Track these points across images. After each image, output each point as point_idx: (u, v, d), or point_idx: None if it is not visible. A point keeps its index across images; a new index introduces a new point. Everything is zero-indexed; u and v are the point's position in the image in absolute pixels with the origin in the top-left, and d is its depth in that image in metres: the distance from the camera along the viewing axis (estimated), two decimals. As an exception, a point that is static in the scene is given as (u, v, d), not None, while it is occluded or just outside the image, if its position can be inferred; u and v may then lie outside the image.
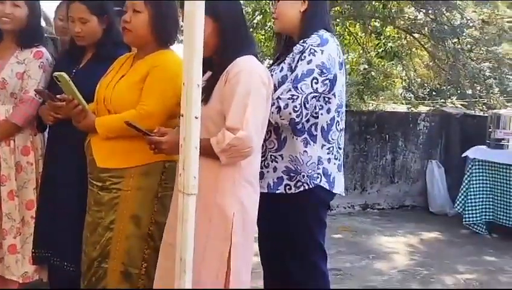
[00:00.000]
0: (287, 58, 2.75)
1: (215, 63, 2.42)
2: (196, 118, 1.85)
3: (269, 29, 10.48)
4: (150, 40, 2.72)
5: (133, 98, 2.67)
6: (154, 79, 2.66)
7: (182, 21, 1.96)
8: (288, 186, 2.72)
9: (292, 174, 2.71)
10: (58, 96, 2.82)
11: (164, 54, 2.74)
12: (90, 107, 2.83)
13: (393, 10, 9.86)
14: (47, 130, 3.33)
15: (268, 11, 9.22)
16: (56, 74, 2.76)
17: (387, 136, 7.00)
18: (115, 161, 2.69)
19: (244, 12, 2.73)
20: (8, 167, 3.19)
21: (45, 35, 3.57)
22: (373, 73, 12.79)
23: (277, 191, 2.72)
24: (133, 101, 2.66)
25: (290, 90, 2.60)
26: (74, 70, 3.08)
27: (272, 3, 2.89)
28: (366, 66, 12.91)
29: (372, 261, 4.95)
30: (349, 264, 4.81)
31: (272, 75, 2.65)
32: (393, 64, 12.89)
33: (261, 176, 2.65)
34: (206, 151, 2.20)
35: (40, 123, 3.25)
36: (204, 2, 1.82)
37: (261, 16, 10.01)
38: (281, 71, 2.73)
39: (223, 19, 2.40)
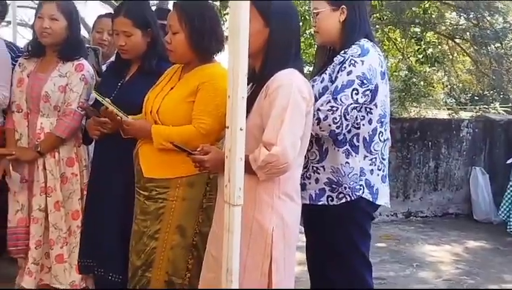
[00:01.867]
0: (328, 68, 2.73)
1: (256, 75, 2.41)
2: (241, 129, 1.85)
3: (308, 36, 10.46)
4: (192, 57, 2.75)
5: (182, 112, 2.71)
6: (205, 96, 2.69)
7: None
8: (330, 198, 2.69)
9: (334, 186, 2.68)
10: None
11: (211, 68, 2.77)
12: (136, 118, 2.87)
13: (433, 16, 9.73)
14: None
15: (307, 18, 9.21)
16: (95, 95, 2.81)
17: (430, 143, 6.89)
18: (162, 171, 2.72)
19: (299, 25, 2.68)
20: (53, 178, 3.25)
21: (86, 45, 3.61)
22: (414, 79, 12.66)
23: (319, 203, 2.70)
24: (181, 114, 2.71)
25: (329, 101, 2.58)
26: (120, 84, 3.13)
27: (312, 16, 2.86)
28: (407, 72, 12.77)
29: (416, 270, 4.87)
30: (393, 273, 4.74)
31: (313, 86, 2.63)
32: (434, 69, 12.73)
33: (303, 187, 2.63)
34: (246, 167, 2.19)
35: (86, 136, 3.29)
36: (248, 16, 1.82)
37: (301, 22, 10.02)
38: (321, 82, 2.70)
39: (274, 27, 2.36)
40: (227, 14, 11.22)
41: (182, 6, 2.72)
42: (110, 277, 3.08)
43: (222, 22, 9.56)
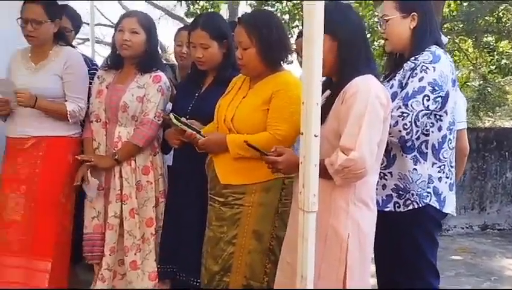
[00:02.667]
0: (397, 75, 2.71)
1: (333, 82, 2.42)
2: (315, 136, 1.85)
3: (377, 47, 10.39)
4: (263, 69, 2.80)
5: (256, 119, 2.76)
6: (281, 103, 2.73)
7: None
8: (397, 205, 2.67)
9: (401, 193, 2.66)
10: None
11: (284, 77, 2.81)
12: (209, 127, 2.93)
13: (508, 24, 9.45)
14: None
15: (376, 30, 9.17)
16: (172, 118, 2.92)
17: (507, 153, 6.67)
18: (237, 178, 2.77)
19: (365, 31, 2.68)
20: (129, 186, 3.33)
21: (164, 62, 3.72)
22: (489, 89, 12.32)
23: (386, 209, 2.67)
24: (256, 122, 2.76)
25: (400, 107, 2.56)
26: (197, 94, 3.22)
27: (381, 24, 2.84)
28: (481, 82, 12.45)
29: (494, 284, 4.70)
30: (469, 286, 4.58)
31: None
32: (510, 79, 12.35)
33: (370, 193, 2.61)
34: (321, 171, 2.19)
35: (164, 145, 3.38)
36: (323, 24, 1.83)
37: (370, 34, 9.99)
38: (391, 88, 2.69)
39: (342, 37, 2.37)
40: (295, 27, 11.31)
41: (248, 21, 2.78)
42: (192, 282, 3.16)
43: (290, 35, 9.69)
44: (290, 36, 2.90)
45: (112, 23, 13.97)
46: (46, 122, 3.36)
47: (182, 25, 8.60)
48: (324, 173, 2.19)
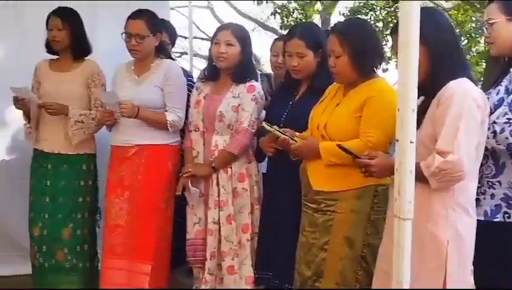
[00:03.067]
0: (504, 80, 2.62)
1: (428, 88, 2.39)
2: (411, 142, 1.84)
3: (475, 53, 10.07)
4: (355, 77, 2.82)
5: (349, 126, 2.78)
6: (373, 109, 2.74)
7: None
8: (507, 215, 2.56)
9: (511, 202, 2.55)
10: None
11: (378, 83, 2.82)
12: (302, 135, 2.97)
13: None
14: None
15: (473, 36, 8.90)
16: (265, 125, 3.00)
17: None
18: (330, 184, 2.79)
19: (456, 34, 2.64)
20: (226, 192, 3.43)
21: (260, 72, 3.81)
22: None
23: (495, 220, 2.57)
24: (349, 128, 2.77)
25: (506, 113, 2.48)
26: (290, 103, 3.28)
27: (486, 28, 2.76)
28: None
29: None
30: None
31: (488, 98, 2.54)
32: None
33: (478, 202, 2.52)
34: (416, 174, 2.17)
35: (258, 153, 3.45)
36: (418, 30, 1.82)
37: (467, 40, 9.70)
38: (497, 94, 2.60)
39: (433, 43, 2.34)
40: (388, 34, 11.16)
41: (341, 29, 2.82)
42: (286, 288, 3.19)
43: (384, 43, 9.56)
44: (384, 44, 2.89)
45: (208, 36, 14.33)
46: (148, 132, 3.53)
47: (275, 37, 8.72)
48: (420, 177, 2.17)
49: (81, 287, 3.73)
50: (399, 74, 1.86)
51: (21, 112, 3.75)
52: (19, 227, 4.21)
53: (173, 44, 4.41)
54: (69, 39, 3.69)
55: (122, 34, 3.55)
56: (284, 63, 3.68)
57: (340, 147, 2.54)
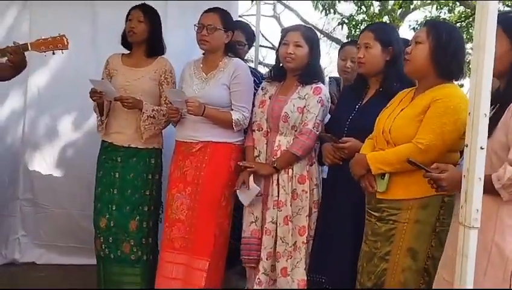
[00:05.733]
0: None
1: (502, 93, 2.31)
2: (482, 148, 1.79)
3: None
4: (429, 72, 2.73)
5: (412, 131, 2.69)
6: (434, 113, 2.65)
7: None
8: None
9: None
10: (340, 140, 3.09)
11: (446, 88, 2.72)
12: (365, 146, 2.94)
13: None
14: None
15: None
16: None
17: None
18: (393, 192, 2.72)
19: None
20: (285, 193, 3.42)
21: (328, 75, 3.80)
22: None
23: None
24: (412, 133, 2.68)
25: None
26: (357, 106, 3.24)
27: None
28: None
29: None
30: None
31: None
32: None
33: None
34: (487, 187, 2.09)
35: (320, 156, 3.42)
36: (494, 32, 1.78)
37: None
38: None
39: None
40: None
41: (433, 23, 2.85)
42: None
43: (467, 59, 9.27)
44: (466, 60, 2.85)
45: (273, 45, 14.43)
46: (213, 129, 3.57)
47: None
48: (490, 189, 2.10)
49: (143, 279, 3.79)
50: (471, 77, 1.82)
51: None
52: (82, 218, 4.37)
53: (250, 46, 4.44)
54: (147, 34, 3.77)
55: (195, 25, 3.62)
56: (352, 68, 3.66)
57: (409, 161, 2.47)
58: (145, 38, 3.77)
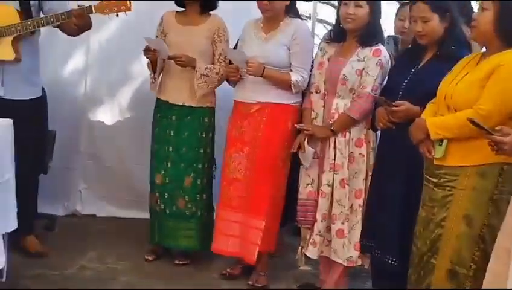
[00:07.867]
0: None
1: None
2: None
3: None
4: (494, 38, 2.66)
5: (474, 96, 2.63)
6: (497, 78, 2.59)
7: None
8: None
9: None
10: (394, 103, 3.04)
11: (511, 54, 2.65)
12: (427, 109, 2.90)
13: None
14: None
15: None
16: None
17: None
18: (452, 159, 2.69)
19: None
20: (342, 156, 3.42)
21: (387, 34, 3.72)
22: None
23: None
24: (474, 98, 2.63)
25: None
26: (413, 70, 3.18)
27: None
28: None
29: None
30: None
31: None
32: None
33: None
34: None
35: (373, 121, 3.38)
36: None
37: None
38: None
39: None
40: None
41: None
42: (386, 260, 3.20)
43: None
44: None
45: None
46: (272, 90, 3.58)
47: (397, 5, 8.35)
48: None
49: (198, 234, 3.91)
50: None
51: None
52: (138, 174, 4.49)
53: None
54: None
55: None
56: (409, 29, 3.58)
57: (471, 121, 2.42)
58: None
